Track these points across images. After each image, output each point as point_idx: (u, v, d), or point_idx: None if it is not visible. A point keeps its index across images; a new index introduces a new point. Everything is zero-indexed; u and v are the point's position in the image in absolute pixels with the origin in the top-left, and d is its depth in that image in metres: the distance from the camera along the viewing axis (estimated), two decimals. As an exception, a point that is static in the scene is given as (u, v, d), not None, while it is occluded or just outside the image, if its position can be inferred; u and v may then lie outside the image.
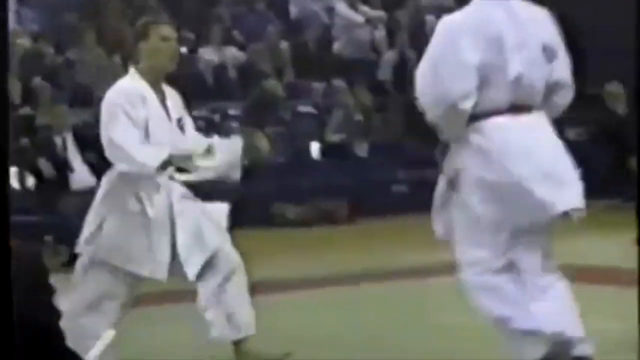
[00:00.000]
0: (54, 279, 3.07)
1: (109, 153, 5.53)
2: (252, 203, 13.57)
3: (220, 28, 15.70)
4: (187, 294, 7.79)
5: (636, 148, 12.46)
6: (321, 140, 14.37)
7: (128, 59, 14.44)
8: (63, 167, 10.92)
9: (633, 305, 7.09)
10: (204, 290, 5.50)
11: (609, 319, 6.60)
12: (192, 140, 5.74)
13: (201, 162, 5.62)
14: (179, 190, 5.54)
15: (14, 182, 12.18)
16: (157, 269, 5.47)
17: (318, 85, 15.01)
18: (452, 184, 4.53)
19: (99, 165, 11.09)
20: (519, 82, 4.39)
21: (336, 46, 16.08)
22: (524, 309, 4.43)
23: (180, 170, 5.58)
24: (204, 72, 15.34)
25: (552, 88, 4.58)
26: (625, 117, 13.15)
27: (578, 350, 4.51)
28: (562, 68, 4.60)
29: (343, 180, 13.80)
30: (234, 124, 14.88)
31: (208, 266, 5.55)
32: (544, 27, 4.57)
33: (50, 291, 3.04)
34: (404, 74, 15.82)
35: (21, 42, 14.76)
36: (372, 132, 14.94)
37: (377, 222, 12.94)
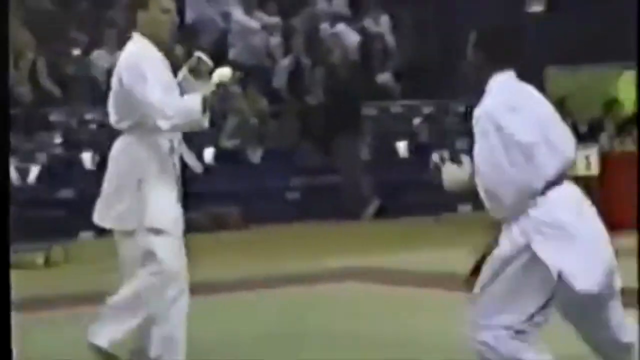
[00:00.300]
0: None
1: (149, 113, 5.38)
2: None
3: (114, 32, 15.54)
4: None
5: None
6: (215, 145, 14.33)
7: (18, 60, 14.27)
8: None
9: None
10: None
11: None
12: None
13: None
14: None
15: None
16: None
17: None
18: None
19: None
20: (563, 154, 4.63)
21: (232, 52, 16.06)
22: None
23: None
24: (97, 75, 15.17)
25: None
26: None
27: None
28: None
29: (236, 187, 13.80)
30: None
31: None
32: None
33: None
34: (299, 80, 15.90)
35: None
36: (266, 139, 14.97)
37: (269, 229, 12.97)
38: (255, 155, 14.58)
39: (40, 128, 14.09)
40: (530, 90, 4.78)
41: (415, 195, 14.77)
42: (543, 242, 4.41)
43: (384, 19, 17.52)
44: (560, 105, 14.23)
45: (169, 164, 5.51)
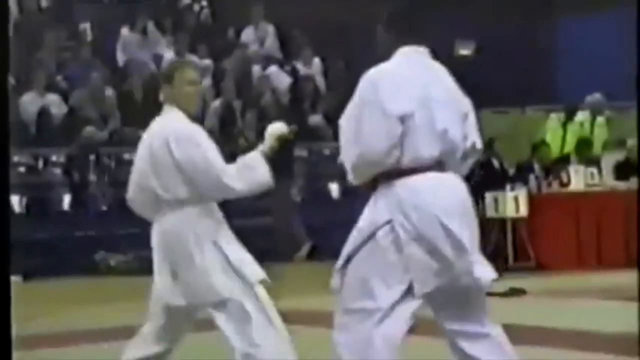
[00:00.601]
0: None
1: (217, 179, 5.36)
2: (75, 251, 13.37)
3: (43, 74, 15.46)
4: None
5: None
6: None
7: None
8: None
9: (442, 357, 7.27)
10: None
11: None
12: None
13: None
14: None
15: None
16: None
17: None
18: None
19: None
20: (442, 137, 4.38)
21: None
22: None
23: None
24: (25, 118, 15.06)
25: (467, 150, 4.56)
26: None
27: None
28: (475, 133, 4.60)
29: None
30: (57, 171, 14.66)
31: None
32: (457, 90, 4.60)
33: None
34: (230, 122, 15.90)
35: None
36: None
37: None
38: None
39: (-32, 171, 13.90)
40: (434, 67, 4.60)
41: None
42: (404, 228, 4.34)
43: (315, 62, 17.63)
44: (490, 147, 14.45)
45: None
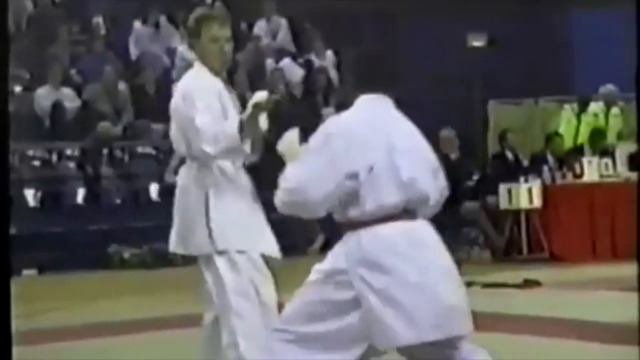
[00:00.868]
0: None
1: (195, 138, 5.26)
2: (89, 244, 13.40)
3: (59, 68, 15.49)
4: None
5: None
6: (160, 181, 14.29)
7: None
8: None
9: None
10: None
11: None
12: None
13: None
14: None
15: None
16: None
17: (157, 127, 14.94)
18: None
19: None
20: (408, 185, 4.27)
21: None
22: None
23: None
24: (39, 112, 15.11)
25: (438, 200, 4.53)
26: (457, 162, 13.50)
27: None
28: (443, 185, 4.56)
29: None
30: (71, 164, 14.69)
31: None
32: (423, 141, 4.52)
33: None
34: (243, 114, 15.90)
35: None
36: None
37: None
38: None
39: (-18, 165, 13.92)
40: (395, 116, 4.50)
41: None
42: (363, 281, 4.16)
43: (328, 54, 17.62)
44: (503, 139, 14.42)
45: (237, 184, 5.42)
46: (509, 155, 14.07)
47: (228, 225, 5.29)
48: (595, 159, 13.54)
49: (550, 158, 13.77)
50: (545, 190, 12.83)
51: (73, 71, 16.04)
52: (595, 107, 15.51)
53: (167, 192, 14.31)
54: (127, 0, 17.68)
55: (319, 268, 4.36)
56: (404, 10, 17.31)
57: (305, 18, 18.20)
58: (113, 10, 17.52)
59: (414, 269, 4.18)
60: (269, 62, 17.29)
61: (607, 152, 13.93)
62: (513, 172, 13.30)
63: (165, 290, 10.85)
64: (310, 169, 4.28)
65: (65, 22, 16.79)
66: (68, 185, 14.29)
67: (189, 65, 6.12)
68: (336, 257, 4.32)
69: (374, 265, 4.17)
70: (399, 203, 4.25)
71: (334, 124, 4.45)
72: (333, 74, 17.49)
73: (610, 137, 14.82)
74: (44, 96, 15.15)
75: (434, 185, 4.42)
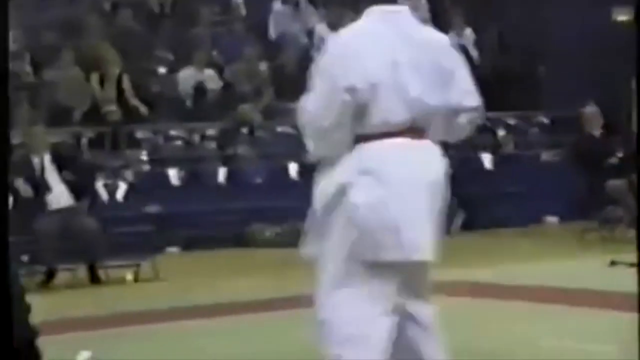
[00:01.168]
0: (30, 298, 3.05)
1: None
2: (229, 223, 13.58)
3: (203, 51, 15.70)
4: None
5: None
6: (299, 160, 14.38)
7: (105, 79, 14.49)
8: (40, 187, 10.88)
9: (606, 327, 7.13)
10: None
11: (587, 341, 6.62)
12: None
13: None
14: None
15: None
16: None
17: (297, 106, 15.01)
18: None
19: (77, 184, 11.12)
20: (414, 103, 4.14)
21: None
22: None
23: None
24: (182, 93, 15.35)
25: (450, 112, 4.27)
26: (601, 139, 13.24)
27: None
28: (462, 92, 4.29)
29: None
30: (212, 145, 14.90)
31: None
32: (440, 49, 4.31)
33: (26, 307, 3.02)
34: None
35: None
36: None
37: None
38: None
39: (127, 145, 14.25)
40: (405, 27, 4.24)
41: (501, 207, 14.67)
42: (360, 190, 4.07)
43: (467, 31, 17.44)
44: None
45: None
46: (655, 132, 13.75)
47: None
48: None
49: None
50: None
51: (214, 52, 16.24)
52: None
53: (307, 171, 14.40)
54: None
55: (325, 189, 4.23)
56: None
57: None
58: (252, -9, 17.68)
59: (405, 186, 4.07)
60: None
61: None
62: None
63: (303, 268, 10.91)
64: (316, 95, 4.21)
65: (206, 3, 17.00)
66: (209, 165, 14.50)
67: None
68: (339, 173, 4.18)
69: (370, 176, 4.08)
70: (405, 120, 4.15)
71: (332, 41, 4.34)
72: (473, 51, 17.31)
73: None
74: (187, 77, 15.38)
75: (445, 98, 4.22)
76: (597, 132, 13.27)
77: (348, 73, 4.11)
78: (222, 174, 14.28)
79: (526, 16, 16.93)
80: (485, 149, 15.83)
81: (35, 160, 11.03)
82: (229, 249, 13.00)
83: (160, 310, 8.78)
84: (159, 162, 14.35)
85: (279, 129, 15.16)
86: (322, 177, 4.28)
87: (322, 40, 16.25)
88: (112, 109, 14.17)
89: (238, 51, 15.86)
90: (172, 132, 14.85)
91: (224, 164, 14.45)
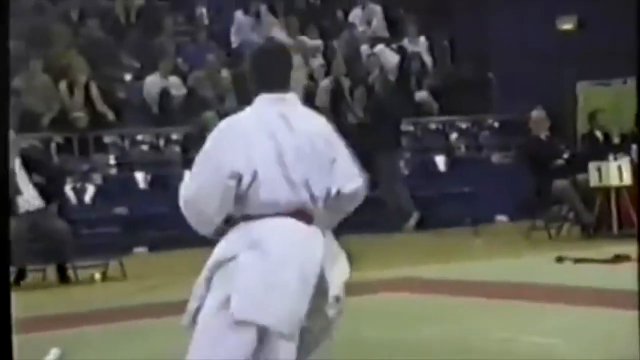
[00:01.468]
0: None
1: None
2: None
3: (168, 59, 15.68)
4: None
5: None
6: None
7: (73, 86, 14.41)
8: (11, 190, 10.80)
9: (553, 321, 7.18)
10: None
11: (535, 334, 6.66)
12: None
13: None
14: None
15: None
16: None
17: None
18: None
19: (46, 187, 11.05)
20: (298, 188, 4.10)
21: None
22: None
23: None
24: (147, 99, 15.31)
25: (333, 197, 4.23)
26: (548, 141, 13.33)
27: None
28: (343, 177, 4.25)
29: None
30: (177, 149, 14.85)
31: None
32: (321, 136, 4.25)
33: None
34: (340, 100, 15.88)
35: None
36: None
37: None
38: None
39: (95, 150, 14.19)
40: (289, 114, 4.22)
41: (453, 207, 14.73)
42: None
43: (421, 40, 17.51)
44: (593, 119, 14.20)
45: None
46: (598, 134, 13.88)
47: None
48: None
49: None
50: (635, 168, 12.57)
51: (179, 60, 16.20)
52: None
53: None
54: (228, -9, 17.80)
55: (209, 262, 4.20)
56: (495, -5, 17.10)
57: (399, 5, 18.10)
58: (216, 1, 17.65)
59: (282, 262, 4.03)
60: (364, 48, 17.25)
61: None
62: (602, 150, 13.10)
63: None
64: (199, 180, 4.20)
65: (170, 13, 16.98)
66: (174, 168, 14.45)
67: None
68: (226, 245, 4.15)
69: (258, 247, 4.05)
70: (289, 203, 4.09)
71: (219, 127, 4.27)
72: (426, 58, 17.39)
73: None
74: (152, 84, 15.33)
75: (328, 183, 4.19)
76: (544, 135, 13.36)
77: (233, 158, 4.07)
78: (187, 177, 14.22)
79: (477, 25, 17.02)
80: (438, 151, 15.90)
81: (6, 165, 10.94)
82: (193, 248, 12.93)
83: (128, 308, 8.74)
84: (126, 165, 14.28)
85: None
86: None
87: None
88: (80, 115, 14.10)
89: (201, 59, 15.83)
90: (139, 137, 14.79)
91: (189, 167, 14.38)
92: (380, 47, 17.17)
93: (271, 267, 4.00)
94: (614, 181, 12.48)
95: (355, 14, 17.95)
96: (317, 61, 16.63)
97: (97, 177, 13.74)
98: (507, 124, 16.46)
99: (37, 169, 11.01)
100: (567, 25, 16.03)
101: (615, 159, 12.66)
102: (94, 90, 14.46)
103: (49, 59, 14.87)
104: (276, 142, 4.13)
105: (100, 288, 10.37)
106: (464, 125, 16.71)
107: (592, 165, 12.60)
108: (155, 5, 17.16)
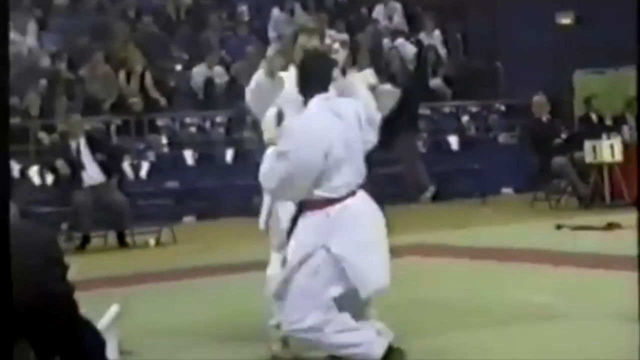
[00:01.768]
0: (68, 260, 3.05)
1: None
2: (236, 196, 13.58)
3: (214, 52, 15.69)
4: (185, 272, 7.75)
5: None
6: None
7: (130, 75, 14.46)
8: (77, 166, 10.87)
9: (551, 281, 7.14)
10: None
11: (532, 293, 6.63)
12: None
13: None
14: None
15: (36, 179, 12.09)
16: None
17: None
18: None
19: (108, 164, 11.12)
20: (360, 171, 4.51)
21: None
22: None
23: None
24: (194, 87, 15.35)
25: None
26: (548, 123, 13.26)
27: None
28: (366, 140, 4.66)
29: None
30: (221, 130, 14.89)
31: None
32: (357, 115, 4.59)
33: (64, 267, 3.02)
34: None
35: (42, 61, 14.70)
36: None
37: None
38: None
39: (149, 131, 14.25)
40: (343, 110, 4.55)
41: (465, 181, 14.71)
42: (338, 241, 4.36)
43: (437, 34, 17.41)
44: (588, 103, 14.10)
45: None
46: (593, 117, 13.80)
47: None
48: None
49: (629, 119, 13.42)
50: (626, 148, 12.50)
51: (222, 52, 16.20)
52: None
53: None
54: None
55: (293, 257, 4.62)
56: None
57: (417, 2, 18.02)
58: (256, 0, 17.64)
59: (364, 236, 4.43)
60: (386, 42, 17.17)
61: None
62: (597, 131, 13.02)
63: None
64: (291, 153, 4.40)
65: (215, 11, 16.98)
66: (218, 147, 14.49)
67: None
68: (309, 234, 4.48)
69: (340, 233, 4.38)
70: (357, 184, 4.46)
71: (301, 116, 4.54)
72: (441, 50, 17.30)
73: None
74: (199, 73, 15.36)
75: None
76: (545, 117, 13.29)
77: (323, 139, 4.34)
78: (229, 154, 14.26)
79: (487, 21, 16.92)
80: (451, 132, 15.85)
81: (72, 144, 11.02)
82: (235, 217, 12.99)
83: (179, 270, 8.80)
84: (176, 145, 14.33)
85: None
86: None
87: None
88: (136, 101, 14.15)
89: (242, 51, 15.82)
90: (187, 120, 14.83)
91: (231, 146, 14.43)
92: (400, 41, 17.09)
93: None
94: (607, 158, 12.41)
95: (378, 11, 17.87)
96: (344, 53, 16.55)
97: (151, 155, 13.79)
98: (512, 107, 16.38)
99: (99, 147, 11.07)
100: (565, 20, 15.91)
101: (608, 138, 12.58)
102: (148, 79, 14.52)
103: (110, 52, 14.94)
104: (341, 133, 4.41)
105: (154, 252, 10.44)
106: (474, 109, 16.63)
107: (587, 144, 12.53)
108: (201, 3, 17.18)
